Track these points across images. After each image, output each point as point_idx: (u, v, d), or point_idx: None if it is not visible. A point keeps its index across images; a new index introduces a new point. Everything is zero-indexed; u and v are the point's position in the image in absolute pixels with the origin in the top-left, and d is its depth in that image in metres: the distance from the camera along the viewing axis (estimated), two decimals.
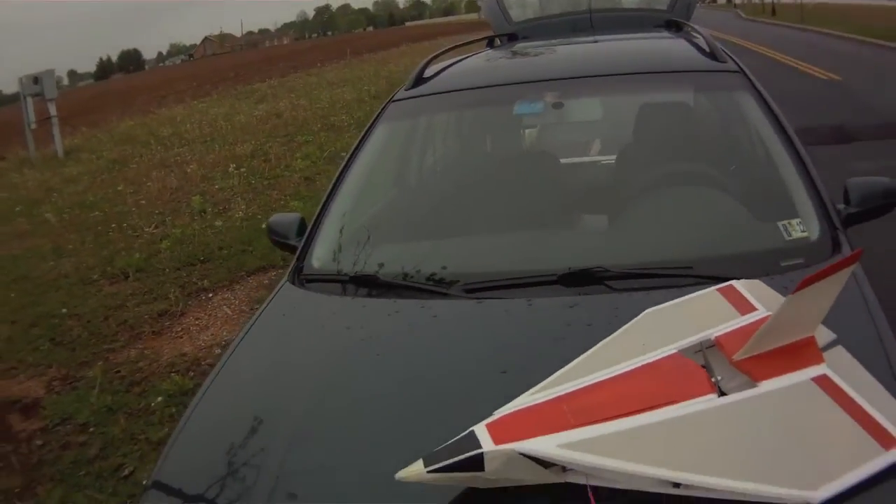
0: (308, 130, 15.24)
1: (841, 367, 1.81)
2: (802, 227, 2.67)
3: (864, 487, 1.62)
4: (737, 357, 1.80)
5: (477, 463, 1.65)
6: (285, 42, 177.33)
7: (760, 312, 1.97)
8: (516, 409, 1.76)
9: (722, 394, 1.77)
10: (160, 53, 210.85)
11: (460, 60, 4.35)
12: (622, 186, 3.46)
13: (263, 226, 8.20)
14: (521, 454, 1.64)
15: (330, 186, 3.44)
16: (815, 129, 10.39)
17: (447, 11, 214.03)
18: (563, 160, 4.20)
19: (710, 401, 1.73)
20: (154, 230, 9.30)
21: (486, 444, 1.65)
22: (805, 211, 2.75)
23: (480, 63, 4.51)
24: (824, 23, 41.98)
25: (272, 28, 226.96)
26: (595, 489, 1.64)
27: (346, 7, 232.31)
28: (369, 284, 2.77)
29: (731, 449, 1.66)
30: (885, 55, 23.94)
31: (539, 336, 2.33)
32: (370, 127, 3.72)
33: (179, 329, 6.33)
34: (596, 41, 4.62)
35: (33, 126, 18.95)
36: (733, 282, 2.18)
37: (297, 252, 3.13)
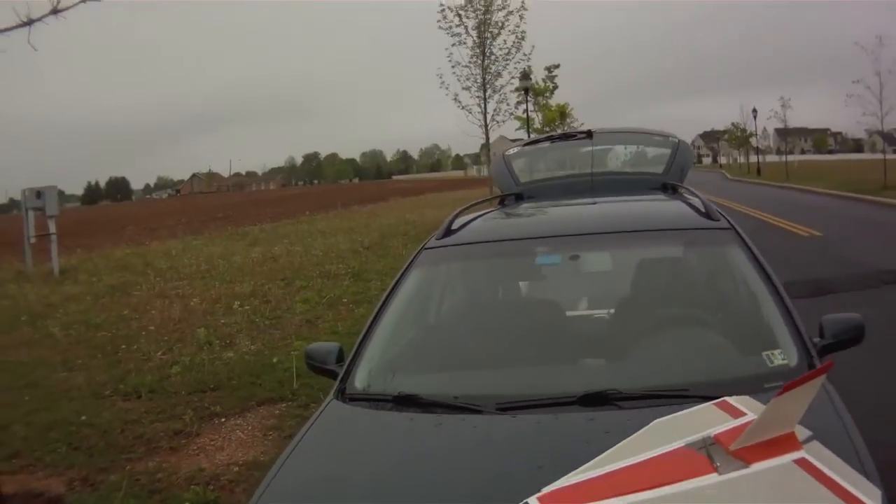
0: (305, 276, 15.79)
1: (817, 453, 2.42)
2: (783, 355, 3.31)
3: None
4: (732, 447, 2.40)
5: None
6: (272, 187, 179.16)
7: (750, 417, 2.57)
8: (561, 486, 2.33)
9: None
10: (147, 185, 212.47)
11: (482, 215, 5.03)
12: (626, 324, 4.09)
13: (275, 360, 8.79)
14: None
15: (371, 319, 3.98)
16: (795, 283, 11.02)
17: (433, 167, 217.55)
18: (578, 304, 4.88)
19: (712, 478, 2.32)
20: (163, 356, 9.72)
21: None
22: (785, 343, 3.38)
23: (500, 218, 5.21)
24: (806, 180, 44.50)
25: (259, 171, 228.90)
26: None
27: (333, 156, 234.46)
28: (412, 403, 3.26)
29: None
30: (860, 208, 26.04)
31: (567, 440, 2.84)
32: (405, 270, 4.28)
33: (195, 447, 6.71)
34: (598, 202, 5.27)
35: (32, 240, 19.35)
36: (726, 397, 2.77)
37: (341, 374, 3.60)
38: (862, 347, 3.66)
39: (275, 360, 9.15)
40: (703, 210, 4.38)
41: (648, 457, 2.44)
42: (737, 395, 2.81)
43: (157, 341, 10.58)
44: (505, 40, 28.52)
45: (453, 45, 28.07)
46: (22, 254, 19.65)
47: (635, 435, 2.59)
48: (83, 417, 7.46)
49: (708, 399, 2.83)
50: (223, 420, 7.39)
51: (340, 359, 3.81)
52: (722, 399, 2.78)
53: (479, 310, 4.62)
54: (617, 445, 2.53)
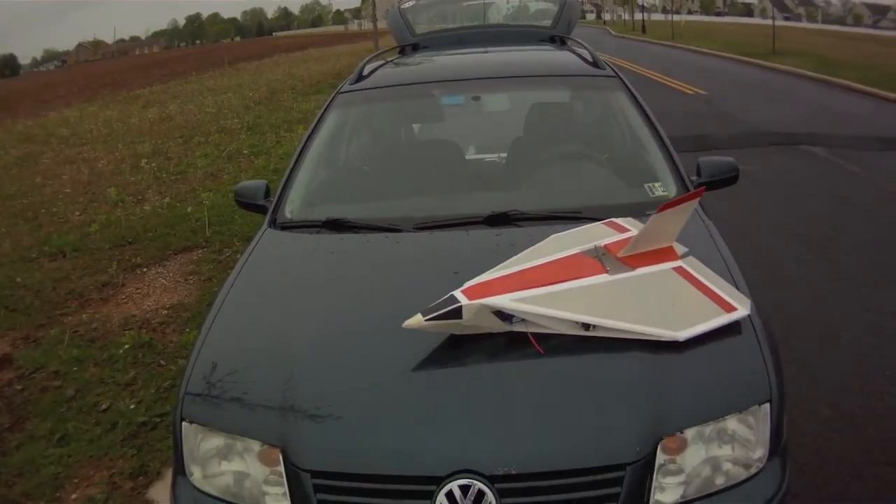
0: (202, 132, 15.41)
1: (693, 265, 2.70)
2: (662, 188, 3.57)
3: (711, 333, 2.46)
4: (620, 255, 2.67)
5: (457, 313, 2.41)
6: (155, 50, 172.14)
7: (634, 232, 2.83)
8: (479, 281, 2.55)
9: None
10: (35, 59, 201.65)
11: (389, 62, 5.19)
12: (526, 159, 4.25)
13: (189, 209, 8.73)
14: (486, 306, 2.42)
15: (294, 156, 4.10)
16: (679, 138, 11.37)
17: (314, 23, 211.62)
18: (480, 144, 5.10)
19: (603, 277, 2.58)
20: (80, 216, 9.52)
21: (464, 300, 2.42)
22: (664, 177, 3.65)
23: (406, 65, 5.32)
24: (692, 40, 43.76)
25: (142, 36, 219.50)
26: (534, 335, 2.44)
27: (215, 16, 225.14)
28: (339, 227, 3.45)
29: (621, 306, 2.49)
30: (746, 70, 26.24)
31: (478, 250, 3.06)
32: (323, 112, 4.41)
33: (123, 297, 6.71)
34: (493, 51, 5.44)
35: None
36: (613, 218, 3.03)
37: (272, 207, 3.75)
38: (746, 199, 3.92)
39: (188, 209, 9.08)
40: (590, 60, 4.59)
41: (551, 259, 2.67)
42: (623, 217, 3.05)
43: (72, 203, 10.32)
44: None
45: None
46: None
47: (538, 244, 2.82)
48: (19, 279, 7.36)
49: (598, 220, 3.08)
50: (145, 270, 7.38)
51: (267, 195, 3.93)
52: (609, 220, 3.04)
53: (392, 146, 4.80)
54: (523, 252, 2.76)
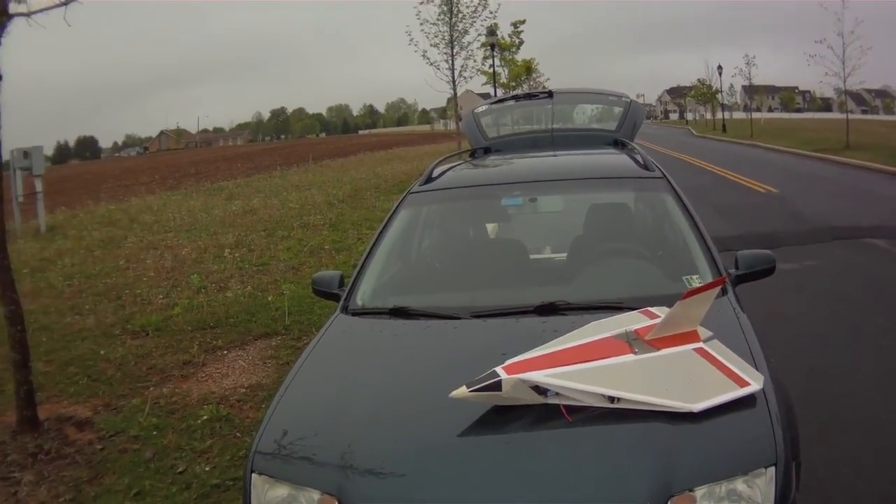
0: (285, 227, 16.48)
1: (715, 346, 3.29)
2: (699, 279, 4.14)
3: (725, 405, 2.98)
4: (648, 337, 3.29)
5: (497, 386, 3.00)
6: (239, 142, 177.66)
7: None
8: (520, 359, 3.15)
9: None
10: (116, 143, 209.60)
11: (457, 165, 6.01)
12: (578, 255, 4.97)
13: (270, 299, 9.51)
14: (523, 381, 3.02)
15: (367, 250, 4.89)
16: (747, 237, 12.22)
17: (400, 122, 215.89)
18: (537, 242, 5.82)
19: (630, 357, 3.19)
20: (163, 299, 10.45)
21: (503, 375, 3.02)
22: (703, 269, 4.28)
23: (472, 168, 6.17)
24: (770, 138, 45.07)
25: (226, 127, 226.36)
26: (565, 406, 3.02)
27: (300, 111, 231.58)
28: (404, 314, 4.14)
29: (644, 381, 3.07)
30: (819, 166, 26.89)
31: (524, 335, 3.62)
32: (394, 210, 5.21)
33: (203, 375, 7.47)
34: (555, 155, 6.29)
35: (21, 199, 19.75)
36: (649, 307, 3.65)
37: (344, 295, 4.49)
38: (803, 291, 4.46)
39: (269, 298, 9.92)
40: (641, 163, 5.30)
41: (583, 342, 3.30)
42: (658, 306, 3.67)
43: (155, 287, 11.30)
44: None
45: (421, 2, 28.48)
46: (13, 214, 19.95)
47: (577, 330, 3.46)
48: (102, 352, 8.21)
49: (636, 309, 3.70)
50: (225, 352, 8.14)
51: (342, 284, 4.66)
52: (646, 309, 3.67)
53: (456, 243, 5.51)
54: (562, 336, 3.39)
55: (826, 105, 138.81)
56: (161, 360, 7.92)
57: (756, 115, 69.48)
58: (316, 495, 2.94)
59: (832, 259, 11.28)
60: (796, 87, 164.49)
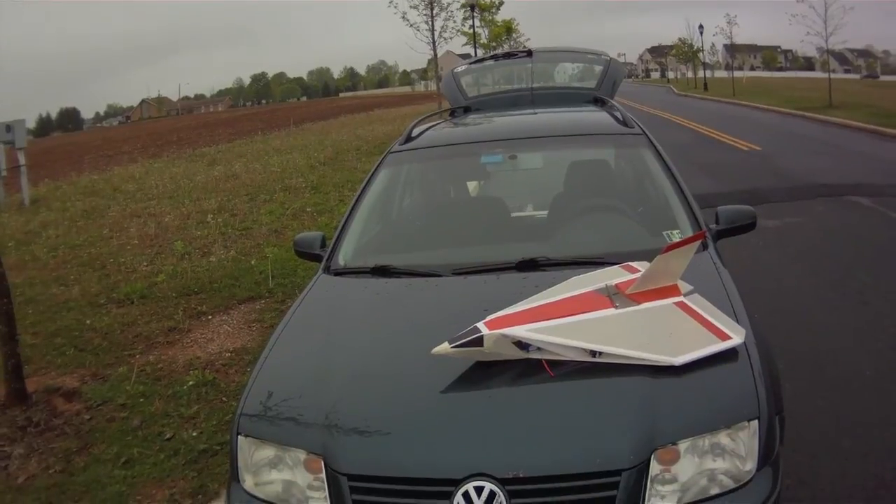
0: (267, 191, 16.41)
1: (695, 300, 3.28)
2: (680, 234, 4.13)
3: (706, 359, 2.98)
4: (628, 291, 3.26)
5: (479, 342, 2.99)
6: (220, 108, 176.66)
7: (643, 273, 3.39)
8: (501, 314, 3.14)
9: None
10: (97, 114, 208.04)
11: (437, 125, 5.94)
12: (559, 212, 4.93)
13: (253, 262, 9.48)
14: (505, 336, 3.01)
15: (348, 210, 4.86)
16: (731, 195, 12.18)
17: (380, 83, 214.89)
18: (517, 199, 5.82)
19: (611, 311, 3.17)
20: (147, 267, 10.42)
21: (484, 330, 3.01)
22: (683, 225, 4.26)
23: (451, 127, 6.09)
24: (752, 97, 45.22)
25: (207, 94, 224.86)
26: (547, 361, 3.02)
27: (281, 75, 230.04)
28: (385, 273, 4.14)
29: (625, 335, 3.06)
30: (803, 125, 27.14)
31: (505, 291, 3.61)
32: (374, 170, 5.19)
33: (189, 341, 7.46)
34: (536, 113, 6.26)
35: (4, 173, 19.58)
36: (630, 262, 3.63)
37: (327, 255, 4.49)
38: (786, 247, 4.47)
39: (253, 262, 9.92)
40: (621, 119, 5.27)
41: (564, 297, 3.28)
42: (639, 261, 3.65)
43: (139, 255, 11.26)
44: None
45: None
46: None
47: (557, 285, 3.44)
48: (88, 322, 8.19)
49: (617, 264, 3.69)
50: (210, 317, 8.13)
51: (323, 245, 4.65)
52: (627, 263, 3.65)
53: (436, 202, 5.49)
54: (542, 292, 3.37)
55: (808, 64, 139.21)
56: (146, 328, 7.90)
57: (738, 73, 69.35)
58: (302, 455, 2.94)
59: (815, 215, 11.32)
60: (778, 47, 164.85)
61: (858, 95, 38.26)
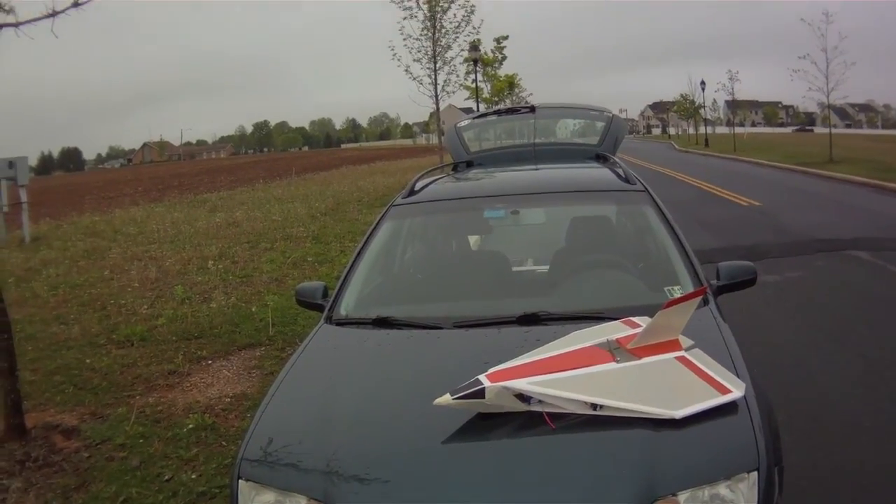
0: (268, 239, 16.47)
1: (696, 355, 3.32)
2: (681, 290, 4.17)
3: (706, 412, 3.01)
4: (629, 346, 3.32)
5: (481, 393, 3.02)
6: (222, 155, 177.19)
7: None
8: (502, 367, 3.18)
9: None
10: (99, 155, 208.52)
11: (439, 179, 6.02)
12: (560, 267, 4.98)
13: (254, 309, 9.51)
14: (506, 388, 3.04)
15: (350, 261, 4.89)
16: (731, 250, 12.32)
17: (382, 136, 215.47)
18: (519, 253, 5.91)
19: (612, 365, 3.22)
20: (147, 310, 10.43)
21: (486, 383, 3.04)
22: (684, 280, 4.29)
23: (454, 181, 6.14)
24: (753, 153, 45.45)
25: (209, 140, 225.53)
26: (548, 414, 3.04)
27: (283, 124, 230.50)
28: (387, 324, 4.17)
29: (626, 389, 3.09)
30: (802, 180, 27.14)
31: (507, 345, 3.63)
32: (378, 222, 5.23)
33: (188, 385, 7.46)
34: (538, 169, 6.28)
35: (5, 209, 19.65)
36: (631, 317, 3.68)
37: (328, 305, 4.51)
38: (787, 302, 4.54)
39: (253, 309, 9.94)
40: (623, 176, 5.32)
41: (565, 351, 3.32)
42: (640, 316, 3.70)
43: (140, 297, 11.29)
44: (455, 14, 29.01)
45: (405, 18, 28.48)
46: None
47: (559, 339, 3.47)
48: (87, 361, 8.21)
49: (617, 319, 3.73)
50: (210, 362, 8.14)
51: (325, 295, 4.67)
52: (628, 319, 3.70)
53: (438, 255, 5.56)
54: (544, 346, 3.41)
55: (809, 120, 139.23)
56: (146, 370, 7.91)
57: (739, 129, 69.67)
58: (303, 501, 2.95)
59: (815, 270, 11.37)
60: (779, 102, 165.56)
61: (859, 150, 38.67)
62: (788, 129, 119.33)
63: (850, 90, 37.74)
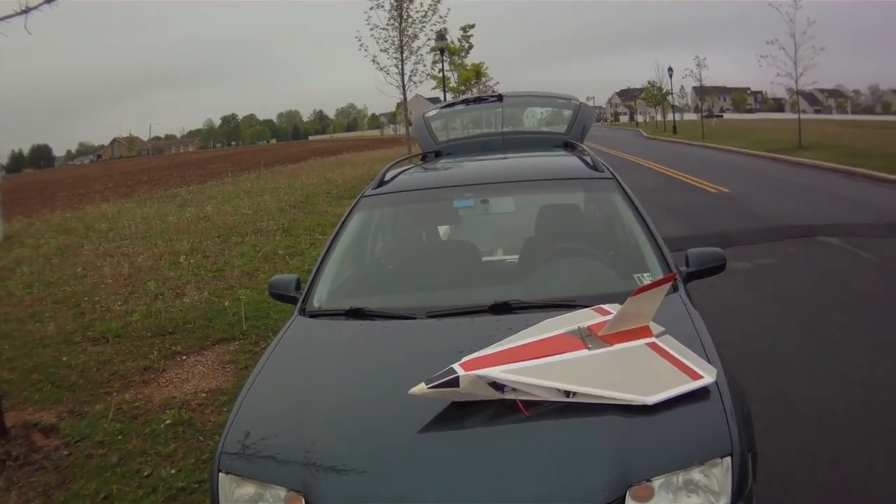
0: (238, 233, 16.41)
1: (667, 341, 3.37)
2: (651, 277, 4.22)
3: (678, 398, 3.05)
4: (600, 333, 3.37)
5: (455, 382, 3.06)
6: (191, 149, 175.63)
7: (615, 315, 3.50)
8: (476, 356, 3.22)
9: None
10: (69, 151, 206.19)
11: (408, 169, 6.02)
12: (530, 255, 5.01)
13: (226, 304, 9.51)
14: (480, 377, 3.09)
15: (322, 254, 4.91)
16: (700, 237, 12.38)
17: (349, 127, 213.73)
18: (489, 241, 5.95)
19: (584, 352, 3.26)
20: (121, 306, 10.40)
21: (460, 371, 3.08)
22: (653, 267, 4.34)
23: (423, 172, 6.17)
24: (722, 139, 45.35)
25: (178, 134, 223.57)
26: (522, 401, 3.09)
27: (251, 117, 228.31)
28: (360, 315, 4.19)
29: (598, 376, 3.13)
30: (771, 166, 27.17)
31: (480, 334, 3.66)
32: (348, 213, 5.24)
33: (164, 381, 7.47)
34: (506, 158, 6.29)
35: None
36: (601, 305, 3.72)
37: (301, 297, 4.53)
38: (757, 289, 4.56)
39: (226, 303, 9.94)
40: (591, 164, 5.38)
41: (538, 339, 3.36)
42: (610, 304, 3.75)
43: (114, 294, 11.25)
44: (422, 3, 28.85)
45: (371, 8, 28.27)
46: None
47: (531, 327, 3.52)
48: (64, 359, 8.20)
49: (588, 307, 3.77)
50: (185, 357, 8.15)
51: (298, 287, 4.71)
52: (598, 306, 3.74)
53: (409, 245, 5.57)
54: (517, 334, 3.45)
55: (778, 105, 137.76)
56: (122, 366, 7.91)
57: (708, 115, 69.48)
58: (282, 492, 2.98)
59: (786, 257, 11.44)
60: (748, 88, 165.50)
61: (829, 136, 38.79)
62: (757, 115, 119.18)
63: (820, 75, 37.67)
